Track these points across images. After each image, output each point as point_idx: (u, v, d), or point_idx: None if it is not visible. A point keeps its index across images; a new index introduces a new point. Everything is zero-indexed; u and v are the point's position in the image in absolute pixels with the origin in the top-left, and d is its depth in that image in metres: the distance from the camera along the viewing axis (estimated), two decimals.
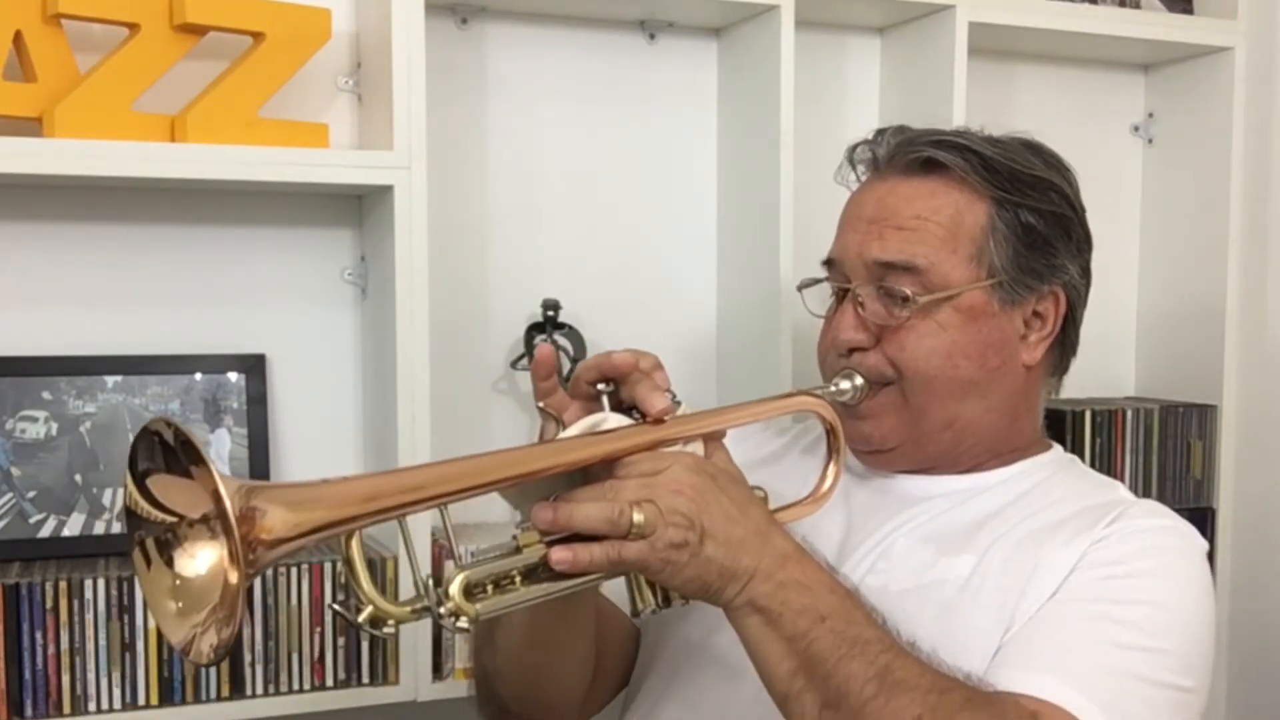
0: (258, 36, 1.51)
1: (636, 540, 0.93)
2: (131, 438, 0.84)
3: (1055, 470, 1.25)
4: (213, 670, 1.50)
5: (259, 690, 1.52)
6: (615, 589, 1.09)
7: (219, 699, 1.50)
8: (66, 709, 1.44)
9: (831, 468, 1.17)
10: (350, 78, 1.69)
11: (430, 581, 0.92)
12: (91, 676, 1.45)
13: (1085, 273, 1.25)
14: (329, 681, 1.55)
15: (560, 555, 0.93)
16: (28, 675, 1.43)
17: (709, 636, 1.19)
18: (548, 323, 1.75)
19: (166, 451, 0.82)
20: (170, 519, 0.83)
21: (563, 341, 1.75)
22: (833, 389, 1.18)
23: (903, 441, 1.20)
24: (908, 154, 1.21)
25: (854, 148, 1.28)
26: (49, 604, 1.44)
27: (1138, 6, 2.00)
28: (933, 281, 1.16)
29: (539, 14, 1.78)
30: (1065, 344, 1.25)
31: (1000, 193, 1.18)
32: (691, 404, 1.06)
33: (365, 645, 1.57)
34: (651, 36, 1.84)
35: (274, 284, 1.69)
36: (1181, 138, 2.09)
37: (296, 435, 1.70)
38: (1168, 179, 2.11)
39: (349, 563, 0.90)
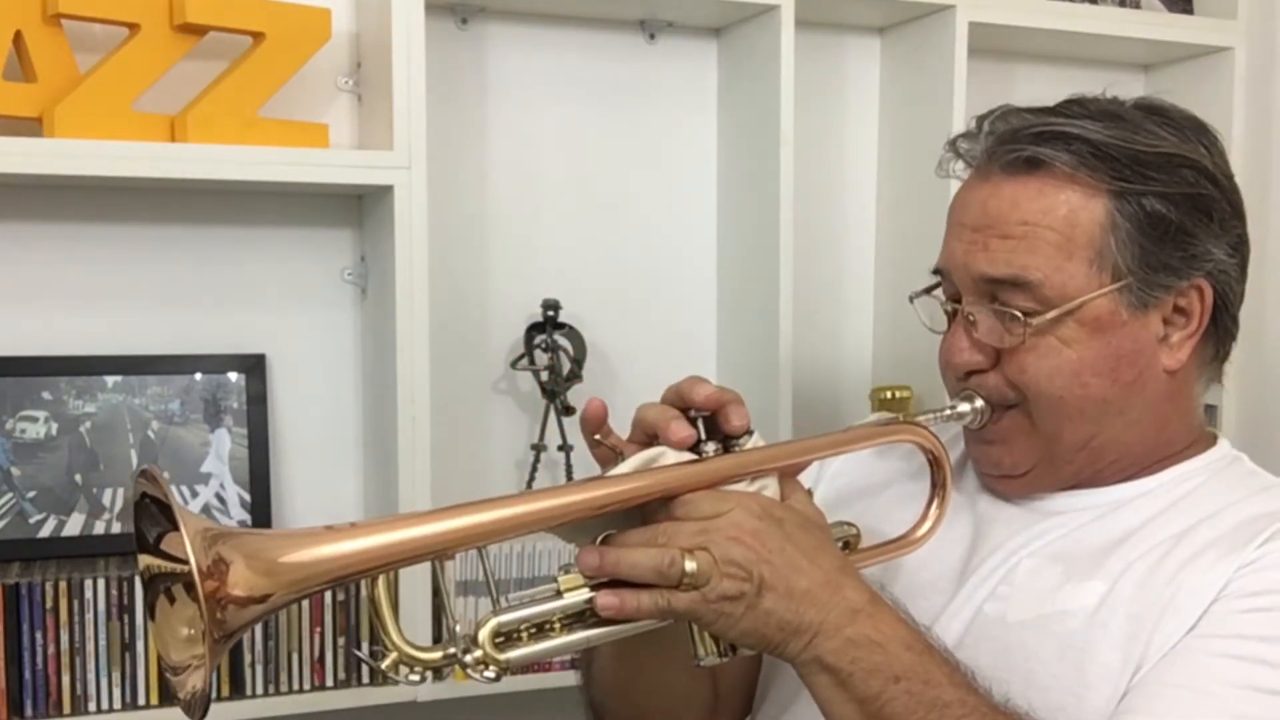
0: (258, 36, 1.52)
1: (688, 590, 0.87)
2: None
3: (1214, 474, 1.09)
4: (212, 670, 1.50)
5: (259, 690, 1.53)
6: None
7: (219, 699, 1.50)
8: (66, 709, 1.45)
9: (934, 508, 1.07)
10: (350, 78, 1.69)
11: (457, 627, 0.88)
12: (91, 676, 1.45)
13: (1236, 249, 1.08)
14: (329, 681, 1.55)
15: (606, 601, 0.88)
16: (28, 675, 1.43)
17: None
18: (548, 323, 1.75)
19: (161, 506, 0.80)
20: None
21: (563, 341, 1.75)
22: (948, 412, 1.07)
23: (1035, 465, 1.08)
24: (1008, 154, 1.07)
25: (954, 140, 1.14)
26: (49, 604, 1.44)
27: (1138, 6, 2.00)
28: (1048, 296, 1.02)
29: (539, 14, 1.78)
30: (1220, 332, 1.10)
31: (1119, 183, 1.03)
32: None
33: (365, 645, 1.56)
34: (651, 36, 1.84)
35: (274, 284, 1.69)
36: None
37: (296, 435, 1.70)
38: None
39: (374, 604, 0.85)
